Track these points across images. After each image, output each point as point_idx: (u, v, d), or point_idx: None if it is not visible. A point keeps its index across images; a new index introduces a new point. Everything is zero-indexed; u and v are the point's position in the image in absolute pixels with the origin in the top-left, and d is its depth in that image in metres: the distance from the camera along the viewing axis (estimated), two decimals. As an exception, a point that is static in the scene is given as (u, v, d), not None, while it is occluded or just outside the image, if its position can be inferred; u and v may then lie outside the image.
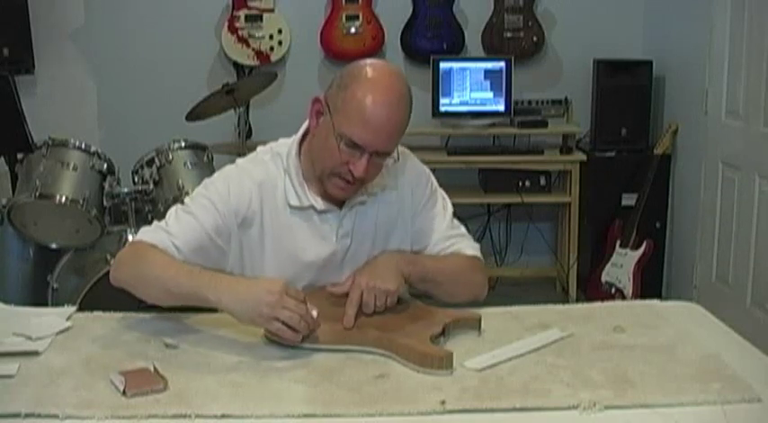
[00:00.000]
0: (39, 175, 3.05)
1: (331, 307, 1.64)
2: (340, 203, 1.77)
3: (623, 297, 4.00)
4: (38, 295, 3.17)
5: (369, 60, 1.71)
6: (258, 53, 4.32)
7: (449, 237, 1.86)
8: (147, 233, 1.71)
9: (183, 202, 1.75)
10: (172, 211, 1.74)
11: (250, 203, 1.72)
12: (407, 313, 1.68)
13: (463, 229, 1.91)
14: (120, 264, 1.71)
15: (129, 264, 1.69)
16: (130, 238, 3.13)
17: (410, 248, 1.83)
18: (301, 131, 1.80)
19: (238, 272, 1.75)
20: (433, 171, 1.92)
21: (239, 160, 1.81)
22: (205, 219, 1.69)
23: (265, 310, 1.50)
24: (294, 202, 1.74)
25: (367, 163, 1.65)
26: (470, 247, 1.88)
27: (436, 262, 1.81)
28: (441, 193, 1.90)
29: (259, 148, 1.83)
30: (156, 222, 1.74)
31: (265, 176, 1.75)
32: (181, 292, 1.59)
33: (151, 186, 3.22)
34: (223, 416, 1.31)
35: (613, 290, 4.08)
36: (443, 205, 1.89)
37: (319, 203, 1.75)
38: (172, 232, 1.68)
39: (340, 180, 1.69)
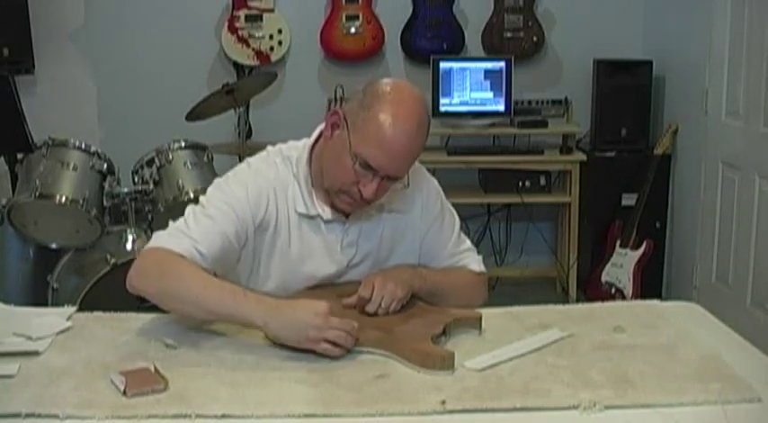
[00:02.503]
0: (39, 175, 3.05)
1: (334, 307, 1.64)
2: (347, 214, 1.77)
3: (623, 297, 4.00)
4: (38, 295, 3.17)
5: (392, 81, 1.69)
6: (258, 53, 4.31)
7: (455, 253, 1.89)
8: (169, 239, 1.64)
9: (197, 203, 1.71)
10: (189, 212, 1.69)
11: (267, 207, 1.72)
12: (408, 313, 1.68)
13: (468, 243, 1.93)
14: (143, 274, 1.61)
15: (156, 276, 1.60)
16: (131, 238, 3.14)
17: (417, 263, 1.84)
18: (314, 137, 1.78)
19: (247, 274, 1.75)
20: (434, 172, 1.93)
21: (251, 160, 1.80)
22: (226, 225, 1.67)
23: (312, 333, 1.49)
24: (302, 209, 1.74)
25: (377, 186, 1.65)
26: (475, 262, 1.91)
27: (444, 277, 1.83)
28: (448, 207, 1.91)
29: (269, 148, 1.81)
30: (173, 225, 1.68)
31: (278, 180, 1.74)
32: (223, 312, 1.56)
33: (151, 186, 3.22)
34: (223, 416, 1.31)
35: (613, 290, 4.08)
36: (451, 222, 1.90)
37: (326, 213, 1.75)
38: (195, 238, 1.63)
39: (348, 197, 1.69)
